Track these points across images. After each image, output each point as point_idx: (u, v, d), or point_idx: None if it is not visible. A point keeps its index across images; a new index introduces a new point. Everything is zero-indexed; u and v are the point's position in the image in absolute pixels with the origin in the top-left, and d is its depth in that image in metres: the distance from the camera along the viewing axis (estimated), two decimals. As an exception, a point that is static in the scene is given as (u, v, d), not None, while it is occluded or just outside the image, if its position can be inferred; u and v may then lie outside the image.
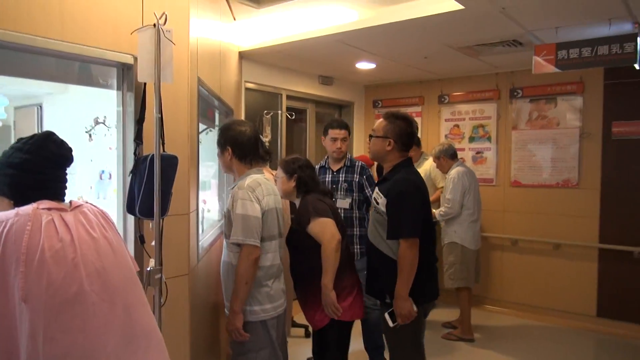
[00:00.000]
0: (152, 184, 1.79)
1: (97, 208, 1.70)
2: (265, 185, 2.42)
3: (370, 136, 2.69)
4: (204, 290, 2.83)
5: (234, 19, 4.05)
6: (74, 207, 1.62)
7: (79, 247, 1.51)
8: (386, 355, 3.30)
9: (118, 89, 2.10)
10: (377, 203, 2.56)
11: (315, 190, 2.72)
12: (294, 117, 5.02)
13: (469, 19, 3.35)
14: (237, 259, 2.29)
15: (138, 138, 1.92)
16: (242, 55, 4.67)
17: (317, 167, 3.51)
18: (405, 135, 2.54)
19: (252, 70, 4.85)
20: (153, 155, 1.80)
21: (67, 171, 1.68)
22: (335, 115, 6.15)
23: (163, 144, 1.88)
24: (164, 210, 1.87)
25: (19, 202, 1.58)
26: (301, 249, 2.65)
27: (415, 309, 2.37)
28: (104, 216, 1.69)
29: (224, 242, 2.39)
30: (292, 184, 2.71)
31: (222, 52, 3.64)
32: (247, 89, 4.81)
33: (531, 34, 3.69)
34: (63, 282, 1.45)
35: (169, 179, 1.87)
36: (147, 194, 1.80)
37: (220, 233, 3.12)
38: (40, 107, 6.91)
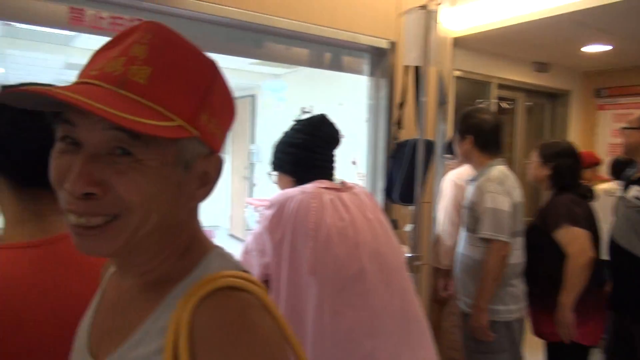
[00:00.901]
0: (414, 169, 1.77)
1: (366, 190, 1.73)
2: (512, 178, 2.25)
3: (625, 128, 2.33)
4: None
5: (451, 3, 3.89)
6: (347, 187, 1.67)
7: (358, 228, 1.55)
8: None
9: (370, 74, 2.13)
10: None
11: (573, 187, 2.43)
12: (506, 108, 4.67)
13: None
14: (482, 254, 2.18)
15: (398, 123, 1.91)
16: (455, 42, 4.48)
17: None
18: None
19: (463, 57, 4.63)
20: (415, 140, 1.77)
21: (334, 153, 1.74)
22: (546, 106, 5.58)
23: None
24: (419, 196, 1.84)
25: (298, 180, 1.68)
26: (539, 249, 2.41)
27: None
28: (372, 199, 1.71)
29: (463, 235, 2.29)
30: (546, 172, 2.44)
31: (440, 38, 3.53)
32: (455, 77, 4.62)
33: None
34: (346, 260, 1.50)
35: (427, 165, 1.83)
36: (408, 179, 1.78)
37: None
38: (253, 97, 7.65)
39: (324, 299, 1.46)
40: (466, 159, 2.35)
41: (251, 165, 7.68)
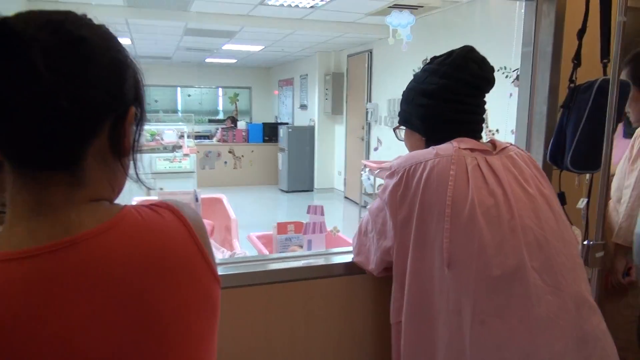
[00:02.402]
0: (597, 122, 1.25)
1: (526, 152, 1.26)
2: None
3: None
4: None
5: None
6: (500, 149, 1.22)
7: (515, 207, 1.11)
8: None
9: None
10: None
11: None
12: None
13: None
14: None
15: (576, 59, 1.37)
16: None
17: None
18: None
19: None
20: (604, 80, 1.24)
21: (485, 100, 1.28)
22: None
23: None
24: (598, 161, 1.32)
25: (431, 139, 1.27)
26: None
27: None
28: (535, 164, 1.23)
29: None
30: None
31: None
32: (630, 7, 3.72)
33: None
34: (499, 251, 1.07)
35: (619, 115, 1.29)
36: (589, 135, 1.27)
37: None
38: (371, 52, 7.17)
39: (465, 302, 1.06)
40: None
41: (368, 125, 7.30)
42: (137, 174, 0.73)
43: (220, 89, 11.91)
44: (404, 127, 1.33)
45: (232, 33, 6.68)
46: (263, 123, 10.14)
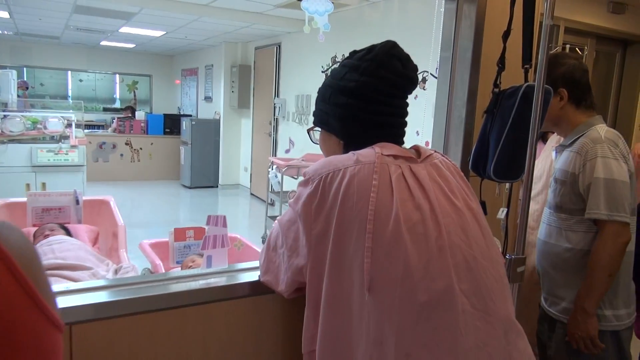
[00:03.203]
0: (519, 131, 1.18)
1: (450, 161, 1.16)
2: (623, 139, 1.65)
3: None
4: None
5: None
6: (424, 156, 1.10)
7: (443, 222, 1.00)
8: None
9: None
10: None
11: None
12: (580, 55, 3.95)
13: None
14: (585, 241, 1.61)
15: (500, 62, 1.30)
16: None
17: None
18: None
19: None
20: (527, 86, 1.18)
21: (408, 101, 1.17)
22: (617, 56, 4.80)
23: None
24: (520, 170, 1.26)
25: (350, 143, 1.13)
26: None
27: None
28: (461, 174, 1.14)
29: (549, 218, 1.71)
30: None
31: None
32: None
33: None
34: (426, 273, 0.96)
35: (541, 122, 1.24)
36: (511, 143, 1.20)
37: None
38: (279, 46, 6.99)
39: (388, 332, 0.94)
40: (555, 123, 1.75)
41: (275, 121, 7.12)
42: None
43: (117, 76, 11.04)
44: (320, 129, 1.17)
45: (129, 15, 6.14)
46: (164, 114, 9.55)
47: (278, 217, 1.13)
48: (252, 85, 7.93)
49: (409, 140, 1.13)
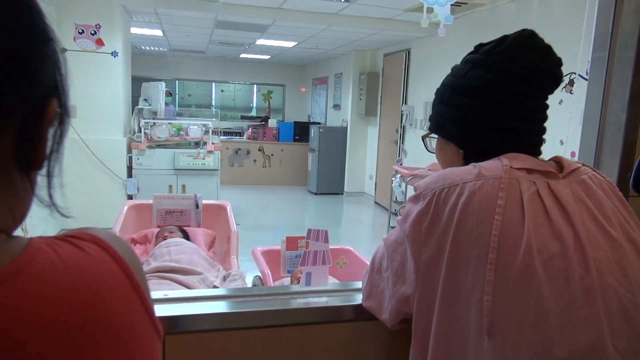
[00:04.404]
0: None
1: (604, 177, 0.92)
2: None
3: None
4: None
5: None
6: (568, 170, 0.88)
7: (592, 256, 0.78)
8: None
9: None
10: None
11: None
12: None
13: None
14: None
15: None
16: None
17: None
18: None
19: None
20: None
21: (547, 101, 0.95)
22: None
23: None
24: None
25: (471, 153, 0.95)
26: None
27: None
28: (619, 195, 0.89)
29: None
30: None
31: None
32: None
33: None
34: (566, 321, 0.74)
35: None
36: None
37: None
38: (408, 52, 6.81)
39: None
40: None
41: (402, 129, 6.93)
42: (50, 195, 0.49)
43: (254, 86, 11.75)
44: (436, 135, 1.01)
45: (263, 27, 6.44)
46: (294, 122, 9.89)
47: (384, 236, 0.99)
48: (379, 92, 7.83)
49: (549, 152, 0.93)
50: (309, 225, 7.02)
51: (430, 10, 1.59)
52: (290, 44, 7.92)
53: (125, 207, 2.72)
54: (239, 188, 8.62)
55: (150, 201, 2.66)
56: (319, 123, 9.73)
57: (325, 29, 6.44)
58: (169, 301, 1.05)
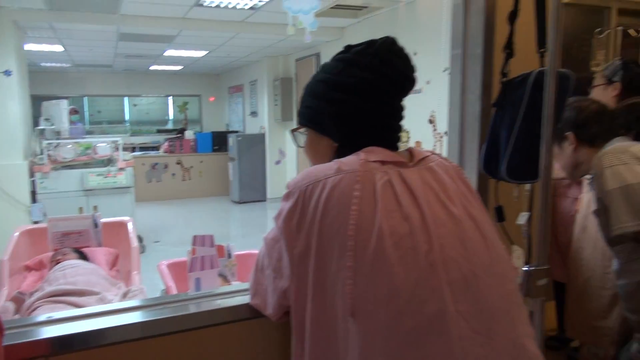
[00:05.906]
0: (535, 123, 1.03)
1: (449, 162, 1.03)
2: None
3: None
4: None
5: None
6: (418, 159, 0.98)
7: (435, 234, 0.87)
8: None
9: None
10: None
11: None
12: (635, 36, 3.62)
13: None
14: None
15: (508, 48, 1.15)
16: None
17: None
18: None
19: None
20: (539, 72, 1.03)
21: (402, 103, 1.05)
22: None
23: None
24: (536, 169, 1.10)
25: (347, 145, 1.01)
26: None
27: None
28: (463, 178, 1.00)
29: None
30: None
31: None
32: (564, 3, 3.62)
33: None
34: (414, 294, 0.83)
35: (559, 114, 1.08)
36: (525, 140, 1.05)
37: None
38: (318, 56, 6.95)
39: (374, 358, 0.82)
40: (575, 163, 1.53)
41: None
42: None
43: (169, 98, 11.44)
44: (306, 130, 1.06)
45: (169, 37, 6.32)
46: (212, 132, 9.76)
47: (264, 235, 1.04)
48: (294, 97, 7.94)
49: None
50: (234, 235, 6.96)
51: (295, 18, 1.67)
52: (200, 53, 7.81)
53: (17, 234, 2.55)
54: (158, 204, 8.36)
55: (44, 225, 2.52)
56: (238, 131, 9.67)
57: (234, 37, 6.43)
58: (53, 322, 1.03)
